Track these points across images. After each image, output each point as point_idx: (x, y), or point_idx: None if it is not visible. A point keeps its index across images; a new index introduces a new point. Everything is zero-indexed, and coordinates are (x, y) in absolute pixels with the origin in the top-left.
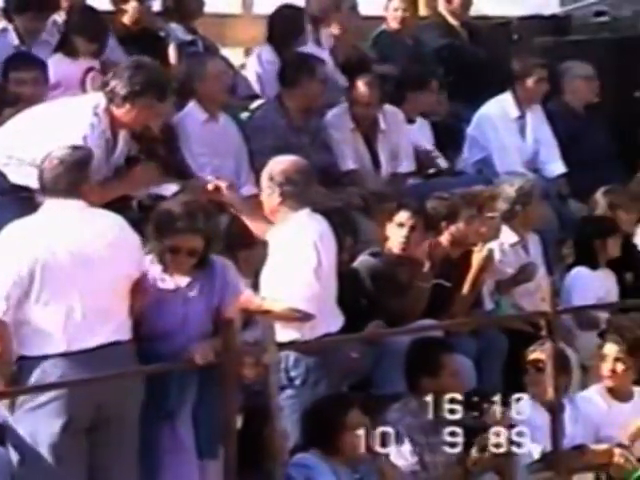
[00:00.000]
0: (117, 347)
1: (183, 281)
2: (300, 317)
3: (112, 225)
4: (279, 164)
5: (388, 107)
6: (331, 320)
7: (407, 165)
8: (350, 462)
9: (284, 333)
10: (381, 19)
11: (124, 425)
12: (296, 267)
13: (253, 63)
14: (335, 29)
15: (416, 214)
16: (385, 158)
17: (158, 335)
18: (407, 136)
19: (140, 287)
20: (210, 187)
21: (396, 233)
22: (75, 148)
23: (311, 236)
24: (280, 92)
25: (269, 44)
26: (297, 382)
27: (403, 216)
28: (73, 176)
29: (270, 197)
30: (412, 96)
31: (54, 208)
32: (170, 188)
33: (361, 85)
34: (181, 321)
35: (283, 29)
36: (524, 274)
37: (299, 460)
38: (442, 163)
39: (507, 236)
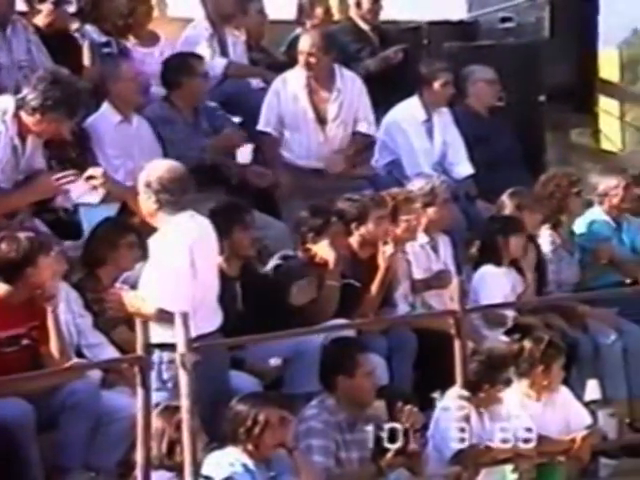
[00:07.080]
0: None
1: None
2: (167, 317)
3: None
4: (155, 170)
5: (347, 72)
6: (207, 320)
7: (366, 127)
8: (265, 460)
9: (157, 333)
10: (292, 24)
11: None
12: (165, 269)
13: None
14: (242, 32)
15: (313, 216)
16: (334, 116)
17: None
18: (366, 101)
19: None
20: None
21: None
22: None
23: (184, 239)
24: (167, 94)
25: None
26: (169, 385)
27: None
28: None
29: (147, 202)
30: None
31: None
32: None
33: (306, 35)
34: None
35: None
36: (438, 281)
37: (214, 459)
38: None
39: (417, 237)
